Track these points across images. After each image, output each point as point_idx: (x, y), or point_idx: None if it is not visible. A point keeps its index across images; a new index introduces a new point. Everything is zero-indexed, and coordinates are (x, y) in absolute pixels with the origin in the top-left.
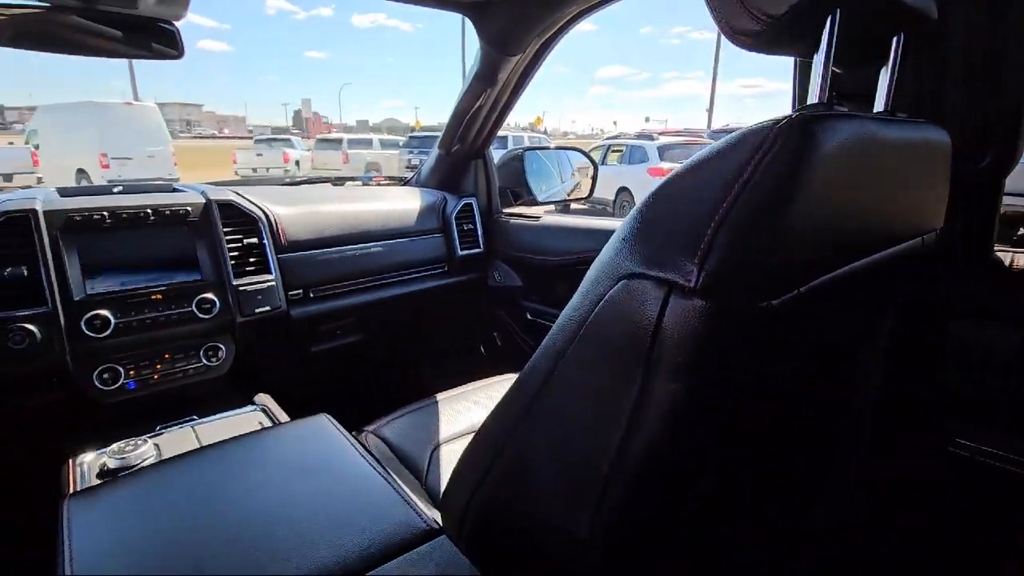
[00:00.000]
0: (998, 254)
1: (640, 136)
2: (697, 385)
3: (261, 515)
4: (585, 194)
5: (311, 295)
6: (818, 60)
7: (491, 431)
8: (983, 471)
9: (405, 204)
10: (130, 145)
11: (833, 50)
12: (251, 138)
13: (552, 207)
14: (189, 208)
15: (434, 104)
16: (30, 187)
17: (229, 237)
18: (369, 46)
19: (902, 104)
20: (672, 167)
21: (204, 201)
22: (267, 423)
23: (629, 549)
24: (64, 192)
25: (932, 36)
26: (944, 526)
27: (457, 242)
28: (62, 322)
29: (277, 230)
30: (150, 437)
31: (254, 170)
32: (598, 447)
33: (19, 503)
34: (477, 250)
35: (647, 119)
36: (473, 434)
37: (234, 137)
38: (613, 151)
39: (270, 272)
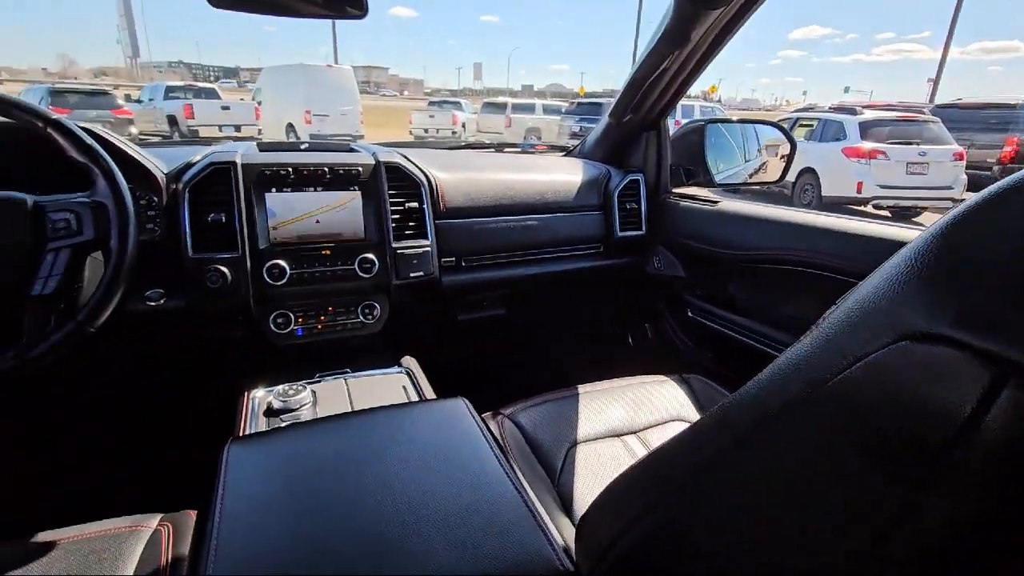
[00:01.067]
0: None
1: (839, 110)
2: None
3: (392, 501)
4: (774, 178)
5: (463, 264)
6: None
7: (651, 474)
8: None
9: (566, 176)
10: (328, 103)
11: None
12: (426, 100)
13: (734, 192)
14: (360, 169)
15: (600, 71)
16: (252, 139)
17: (393, 200)
18: (540, 9)
19: None
20: (876, 147)
21: (374, 163)
22: (410, 387)
23: None
24: (262, 147)
25: None
26: None
27: (617, 221)
28: (248, 267)
29: (438, 196)
30: (309, 383)
31: (425, 130)
32: (805, 563)
33: (203, 420)
34: (638, 232)
35: (846, 89)
36: (617, 437)
37: (413, 98)
38: (801, 125)
39: (427, 238)
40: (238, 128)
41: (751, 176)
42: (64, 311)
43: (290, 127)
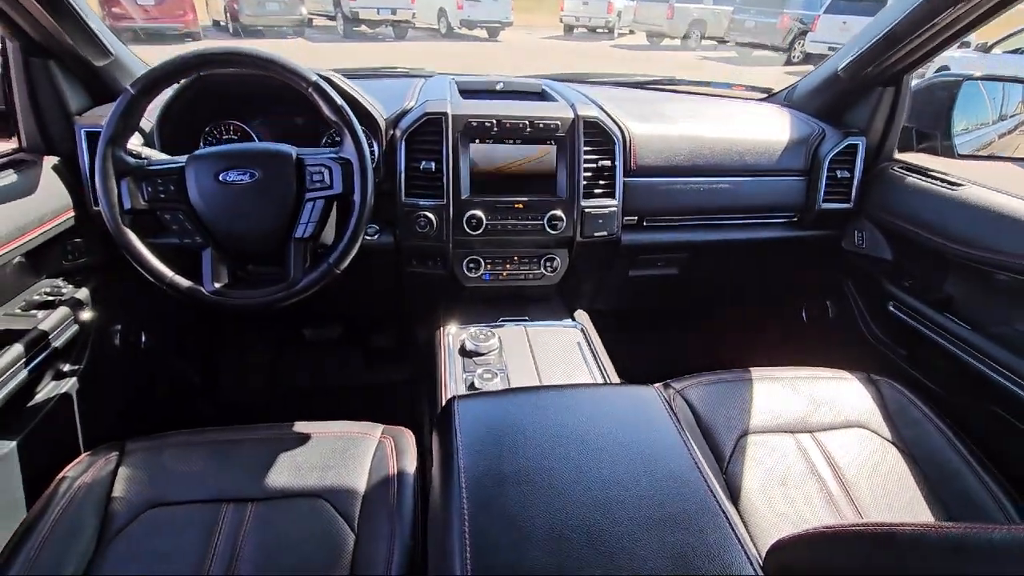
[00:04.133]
0: None
1: None
2: None
3: (600, 489)
4: None
5: (644, 224)
6: None
7: (870, 544)
8: None
9: (770, 135)
10: None
11: None
12: None
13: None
14: (559, 123)
15: None
16: (433, 75)
17: (587, 157)
18: None
19: None
20: None
21: (572, 117)
22: (583, 344)
23: None
24: (463, 88)
25: None
26: None
27: (822, 191)
28: (451, 215)
29: (631, 152)
30: (494, 327)
31: (577, 19)
32: None
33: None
34: (845, 204)
35: None
36: (788, 434)
37: None
38: None
39: (614, 197)
40: (394, 11)
41: (1001, 138)
42: (315, 251)
43: (442, 12)
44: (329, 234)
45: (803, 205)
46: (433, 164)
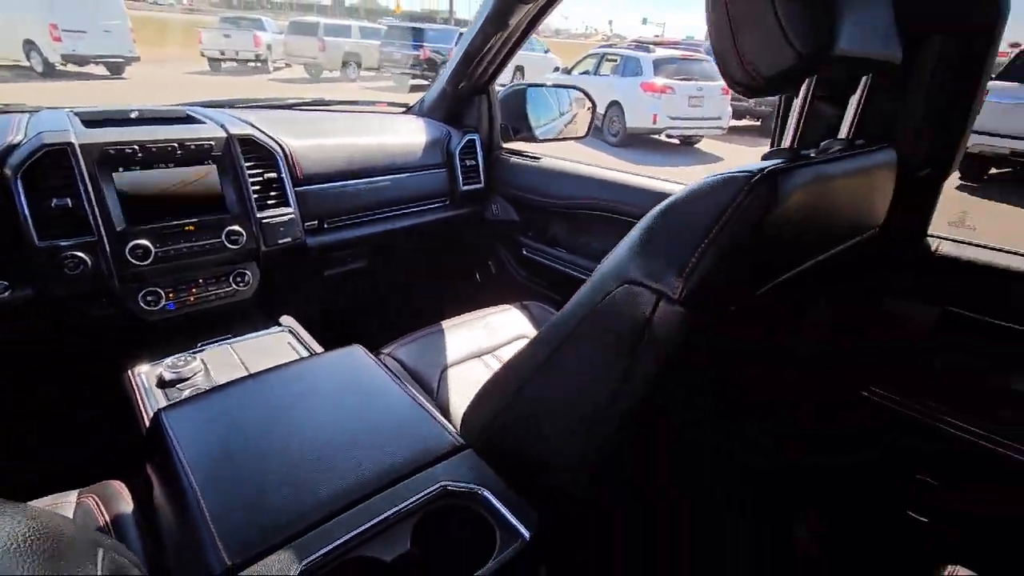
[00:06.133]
0: (928, 241)
1: (637, 46)
2: (670, 366)
3: (326, 431)
4: (582, 132)
5: (325, 226)
6: (794, 108)
7: (513, 373)
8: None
9: (411, 138)
10: (83, 17)
11: (808, 99)
12: (214, 13)
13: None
14: (212, 143)
15: None
16: (40, 109)
17: (251, 172)
18: None
19: (869, 126)
20: (667, 83)
21: (225, 136)
22: (295, 343)
23: (607, 476)
24: (86, 119)
25: (895, 77)
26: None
27: (460, 177)
28: (108, 249)
29: (293, 164)
30: (195, 353)
31: (222, 52)
32: (594, 402)
33: (90, 396)
34: (478, 185)
35: (644, 20)
36: (476, 358)
37: (196, 10)
38: (608, 60)
39: (289, 205)
40: None
41: (566, 127)
42: None
43: (30, 44)
44: None
45: (449, 190)
46: (69, 200)
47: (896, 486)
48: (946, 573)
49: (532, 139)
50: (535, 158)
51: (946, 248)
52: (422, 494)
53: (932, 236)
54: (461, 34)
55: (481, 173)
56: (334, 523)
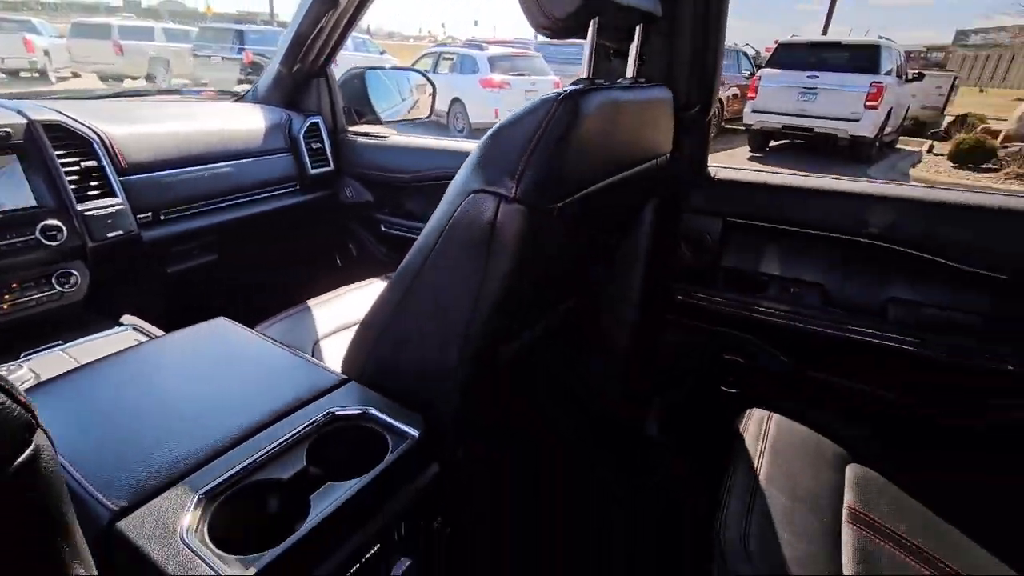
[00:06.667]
0: (710, 170)
1: (470, 45)
2: (519, 261)
3: (202, 388)
4: (425, 113)
5: (161, 218)
6: (587, 46)
7: (379, 310)
8: (695, 309)
9: (248, 123)
10: None
11: (595, 40)
12: None
13: (395, 127)
14: (10, 131)
15: None
16: None
17: (63, 160)
18: None
19: (648, 70)
20: (504, 79)
21: (25, 122)
22: (143, 338)
23: (482, 374)
24: None
25: (666, 28)
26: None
27: (308, 161)
28: None
29: (115, 152)
30: (21, 363)
31: None
32: (461, 307)
33: None
34: (327, 168)
35: (476, 22)
36: (347, 329)
37: None
38: (444, 59)
39: (116, 195)
40: None
41: (409, 112)
42: None
43: None
44: None
45: (298, 175)
46: None
47: (714, 368)
48: (745, 415)
49: (377, 122)
50: (383, 136)
51: (723, 174)
52: (311, 421)
53: (712, 166)
54: None
55: (329, 156)
56: (225, 457)
